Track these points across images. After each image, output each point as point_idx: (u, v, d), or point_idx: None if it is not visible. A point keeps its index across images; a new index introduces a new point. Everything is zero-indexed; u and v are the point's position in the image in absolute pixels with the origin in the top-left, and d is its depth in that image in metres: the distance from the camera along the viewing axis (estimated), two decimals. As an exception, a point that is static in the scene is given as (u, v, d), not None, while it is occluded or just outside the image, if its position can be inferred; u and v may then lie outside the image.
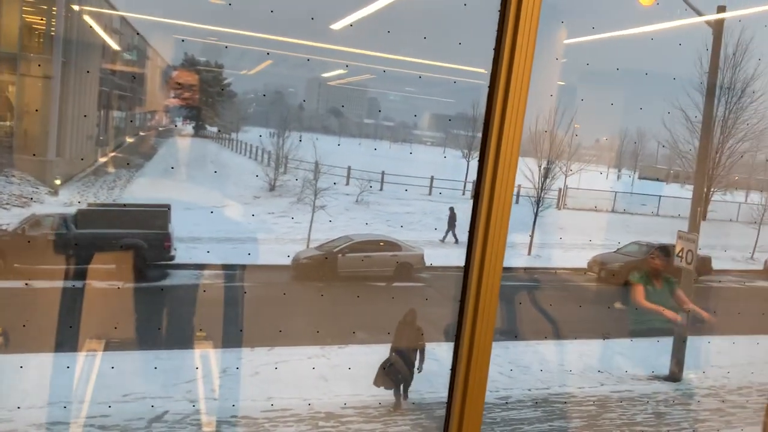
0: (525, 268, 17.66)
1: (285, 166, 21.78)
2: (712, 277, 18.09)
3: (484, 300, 2.79)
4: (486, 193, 2.76)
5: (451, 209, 19.35)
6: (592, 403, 10.37)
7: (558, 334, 12.82)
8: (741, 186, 26.39)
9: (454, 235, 18.96)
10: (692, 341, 11.61)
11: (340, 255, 15.60)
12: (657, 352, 11.65)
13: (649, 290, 7.77)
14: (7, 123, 17.37)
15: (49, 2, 16.97)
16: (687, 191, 15.10)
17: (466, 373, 2.82)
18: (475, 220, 2.80)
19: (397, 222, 19.47)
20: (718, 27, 12.02)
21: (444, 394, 2.76)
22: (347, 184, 22.15)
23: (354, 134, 32.84)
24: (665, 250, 8.85)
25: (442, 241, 18.92)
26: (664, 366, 11.56)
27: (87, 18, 17.82)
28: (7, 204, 15.28)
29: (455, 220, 19.08)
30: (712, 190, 21.28)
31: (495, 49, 2.69)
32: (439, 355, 10.98)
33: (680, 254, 11.14)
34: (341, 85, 30.66)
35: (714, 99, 14.48)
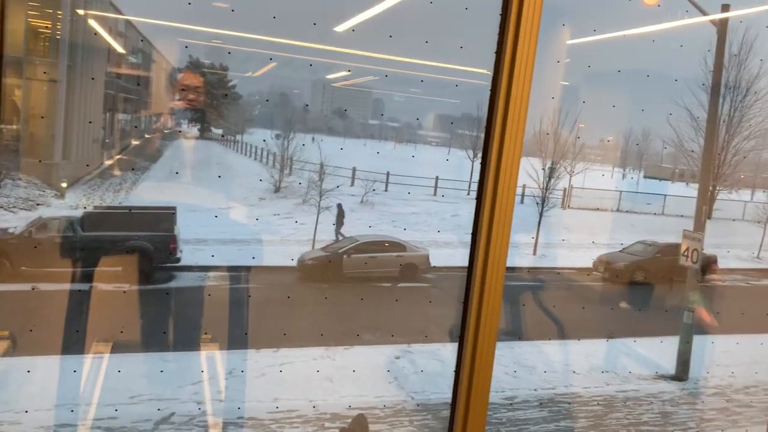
0: (530, 268, 17.63)
1: (290, 168, 21.83)
2: (718, 276, 18.04)
3: (488, 301, 2.80)
4: (489, 193, 2.77)
5: (339, 206, 18.48)
6: (597, 403, 10.36)
7: (563, 335, 12.81)
8: (747, 184, 26.30)
9: (338, 233, 18.06)
10: (698, 340, 11.58)
11: (345, 256, 15.63)
12: (662, 351, 11.64)
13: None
14: (14, 126, 17.46)
15: (55, 6, 17.06)
16: (692, 190, 15.08)
17: (470, 374, 2.83)
18: (478, 220, 2.81)
19: (402, 223, 19.47)
20: (722, 26, 12.00)
21: (449, 394, 2.78)
22: (352, 185, 22.18)
23: (359, 135, 32.87)
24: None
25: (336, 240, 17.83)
26: (670, 366, 11.55)
27: (92, 22, 17.91)
28: (14, 207, 15.36)
29: (343, 218, 18.32)
30: (717, 188, 21.22)
31: (497, 52, 2.70)
32: (443, 355, 11.00)
33: (685, 253, 11.11)
34: (346, 87, 30.72)
35: (719, 98, 14.45)
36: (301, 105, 29.55)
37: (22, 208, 15.38)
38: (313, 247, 16.88)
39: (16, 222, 14.32)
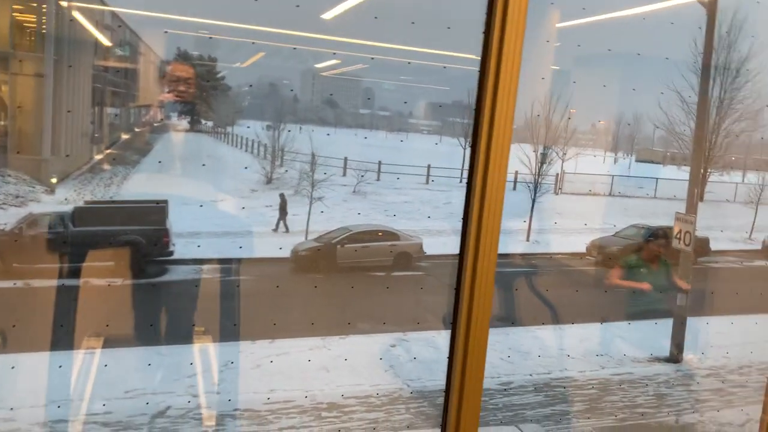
0: (523, 254, 17.66)
1: (281, 159, 21.74)
2: (711, 258, 18.13)
3: (480, 287, 2.77)
4: (479, 179, 2.73)
5: (282, 196, 18.36)
6: (592, 387, 10.41)
7: (557, 319, 12.84)
8: (738, 166, 26.40)
9: (285, 224, 18.02)
10: (692, 322, 11.63)
11: (338, 246, 15.60)
12: (656, 334, 11.68)
13: (643, 272, 7.91)
14: (1, 122, 17.29)
15: (40, 0, 16.86)
16: (684, 173, 15.12)
17: (463, 361, 2.81)
18: (468, 207, 2.78)
19: (395, 211, 19.43)
20: (711, 7, 11.95)
21: (444, 381, 2.76)
22: (344, 174, 22.11)
23: (350, 125, 32.75)
24: (663, 234, 9.06)
25: (275, 230, 17.89)
26: (664, 348, 11.59)
27: (77, 15, 17.71)
28: (4, 204, 15.25)
29: (286, 207, 18.21)
30: (708, 171, 21.28)
31: (484, 33, 2.66)
32: (438, 343, 11.02)
33: (678, 236, 11.11)
34: (335, 76, 30.56)
35: (709, 79, 14.43)
36: (290, 95, 29.39)
37: (12, 205, 15.26)
38: (306, 238, 16.84)
39: (6, 219, 14.21)
